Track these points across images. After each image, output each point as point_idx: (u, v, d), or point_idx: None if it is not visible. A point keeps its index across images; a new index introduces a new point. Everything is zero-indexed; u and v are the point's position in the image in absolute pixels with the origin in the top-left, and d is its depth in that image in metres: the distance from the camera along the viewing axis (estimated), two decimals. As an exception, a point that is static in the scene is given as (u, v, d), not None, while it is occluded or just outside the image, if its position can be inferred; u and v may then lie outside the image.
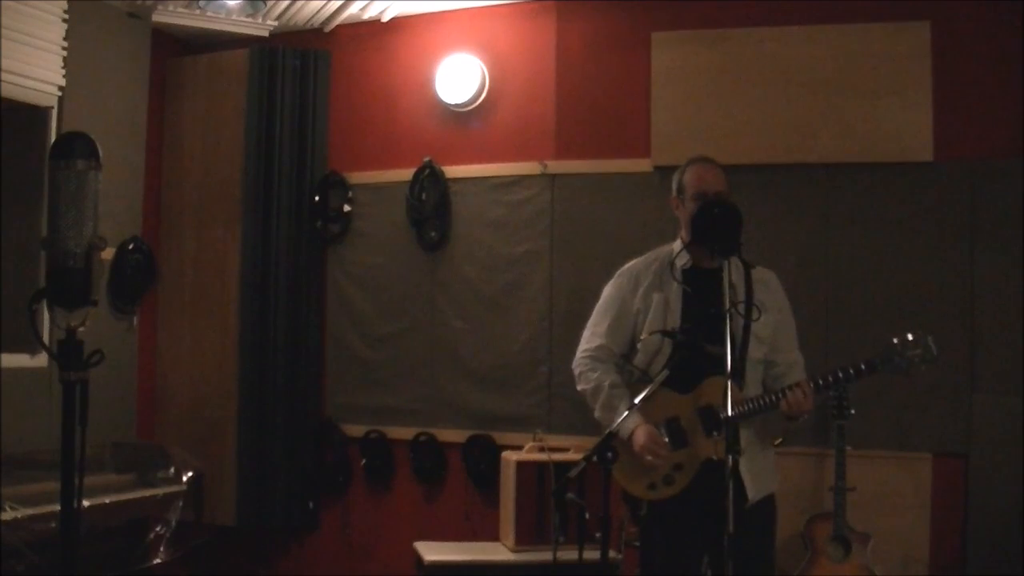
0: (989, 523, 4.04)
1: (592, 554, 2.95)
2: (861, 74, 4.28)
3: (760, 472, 3.06)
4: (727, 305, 2.68)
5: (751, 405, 2.97)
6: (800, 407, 2.93)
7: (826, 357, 4.17)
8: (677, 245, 3.18)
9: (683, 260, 3.12)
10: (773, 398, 2.96)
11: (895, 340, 2.94)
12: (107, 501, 3.88)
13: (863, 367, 2.94)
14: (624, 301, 3.21)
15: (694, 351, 2.91)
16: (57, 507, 2.15)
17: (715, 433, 2.92)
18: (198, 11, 4.85)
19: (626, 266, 3.29)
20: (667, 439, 3.00)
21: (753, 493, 3.01)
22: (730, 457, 2.55)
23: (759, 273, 3.12)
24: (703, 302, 2.99)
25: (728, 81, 4.46)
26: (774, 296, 3.14)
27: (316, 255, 5.13)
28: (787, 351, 3.15)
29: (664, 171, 4.55)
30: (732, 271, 2.76)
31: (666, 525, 3.06)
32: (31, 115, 4.40)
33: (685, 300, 3.07)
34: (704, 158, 3.19)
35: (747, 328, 2.94)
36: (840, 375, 2.95)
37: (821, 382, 2.97)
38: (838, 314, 4.28)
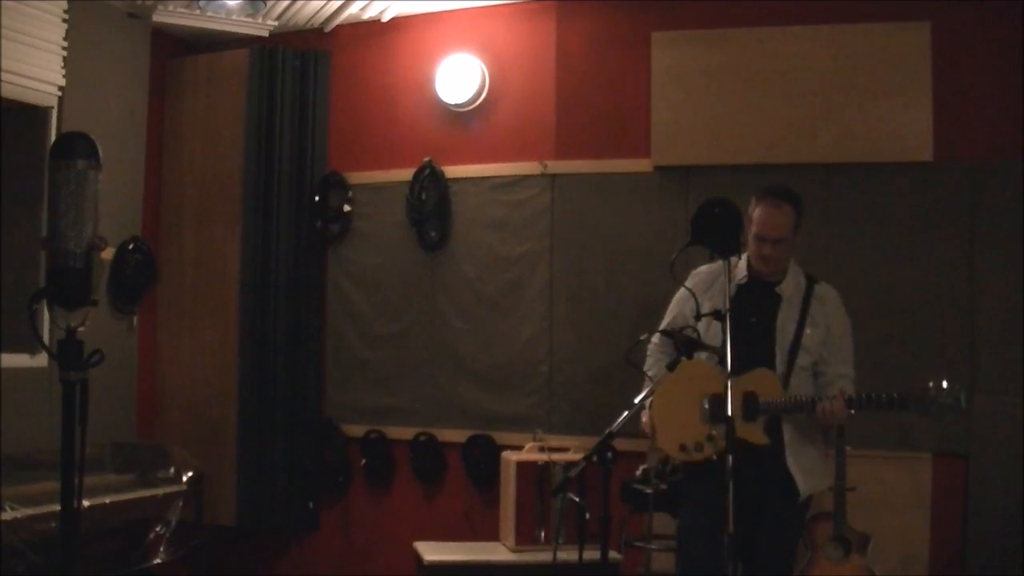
0: (989, 523, 4.05)
1: (592, 554, 2.96)
2: (861, 74, 4.28)
3: (810, 468, 3.27)
4: (727, 306, 2.71)
5: (785, 401, 3.17)
6: (832, 417, 3.13)
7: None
8: (739, 260, 3.36)
9: (741, 274, 3.36)
10: (808, 401, 3.16)
11: (931, 385, 3.11)
12: (107, 501, 3.87)
13: (896, 401, 3.14)
14: (682, 307, 3.44)
15: (696, 347, 3.01)
16: (57, 507, 2.15)
17: (755, 418, 3.11)
18: (198, 11, 4.85)
19: (698, 270, 3.49)
20: (708, 409, 3.19)
21: (805, 488, 3.23)
22: (730, 457, 2.57)
23: (820, 289, 3.36)
24: (754, 313, 3.24)
25: (728, 81, 4.46)
26: (828, 312, 3.34)
27: (316, 255, 5.13)
28: (835, 364, 3.32)
29: (664, 171, 4.57)
30: (732, 271, 2.87)
31: (700, 510, 3.25)
32: (31, 115, 4.40)
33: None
34: (775, 194, 3.32)
35: (798, 337, 3.24)
36: (872, 399, 3.15)
37: (853, 398, 3.16)
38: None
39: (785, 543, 3.30)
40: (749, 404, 3.14)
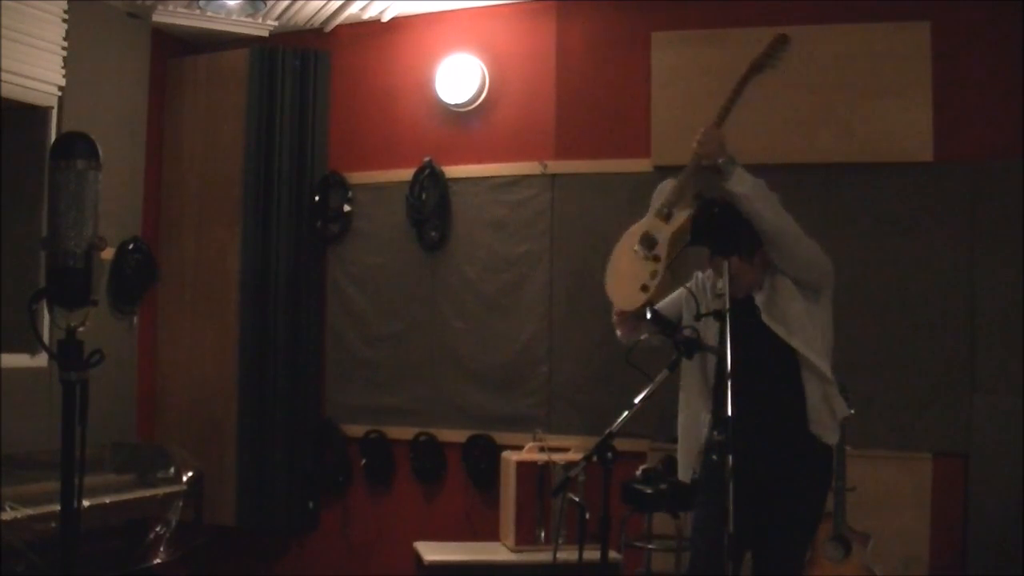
0: (989, 523, 4.05)
1: (592, 554, 2.96)
2: (861, 74, 4.28)
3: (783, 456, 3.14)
4: (727, 306, 2.71)
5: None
6: (705, 149, 3.14)
7: (826, 357, 4.17)
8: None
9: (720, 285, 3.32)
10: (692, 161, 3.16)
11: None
12: (107, 501, 3.88)
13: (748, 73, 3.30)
14: (675, 300, 3.37)
15: (696, 348, 3.03)
16: (57, 507, 2.15)
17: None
18: (198, 11, 4.85)
19: (697, 274, 3.42)
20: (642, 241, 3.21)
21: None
22: (730, 458, 2.57)
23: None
24: (751, 315, 3.12)
25: (728, 81, 4.42)
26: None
27: (316, 255, 5.13)
28: None
29: (664, 171, 4.55)
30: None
31: (708, 508, 3.16)
32: (31, 115, 4.40)
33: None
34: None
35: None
36: (728, 100, 3.29)
37: (719, 115, 3.26)
38: (837, 314, 4.26)
39: (796, 523, 3.22)
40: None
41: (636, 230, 3.24)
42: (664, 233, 3.16)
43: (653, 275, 3.14)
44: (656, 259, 3.14)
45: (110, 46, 4.69)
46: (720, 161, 3.06)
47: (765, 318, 3.10)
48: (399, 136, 5.05)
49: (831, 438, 3.15)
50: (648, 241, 3.20)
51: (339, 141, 5.17)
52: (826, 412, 3.12)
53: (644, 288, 3.16)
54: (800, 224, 4.33)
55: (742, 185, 3.01)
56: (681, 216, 3.12)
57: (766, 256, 3.19)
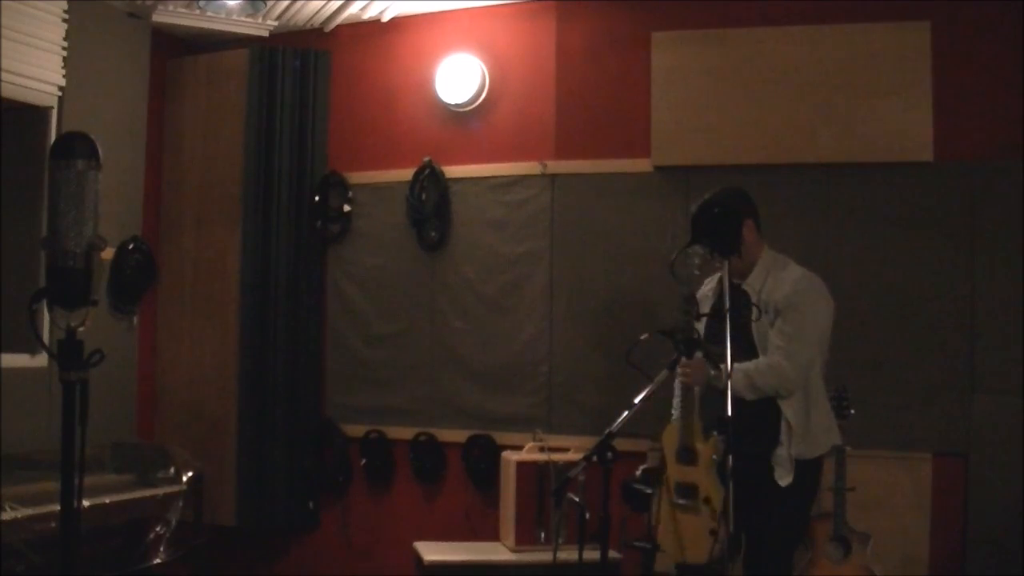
0: (989, 523, 4.05)
1: (592, 554, 2.96)
2: (861, 74, 4.28)
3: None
4: (727, 306, 2.72)
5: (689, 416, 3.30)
6: (690, 378, 3.25)
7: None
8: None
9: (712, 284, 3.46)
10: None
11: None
12: (107, 501, 3.88)
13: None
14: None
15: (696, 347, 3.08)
16: (57, 507, 2.15)
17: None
18: (198, 11, 4.85)
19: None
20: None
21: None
22: (730, 458, 2.58)
23: (781, 274, 3.41)
24: (738, 313, 3.20)
25: (728, 81, 4.46)
26: (780, 292, 3.39)
27: (316, 255, 5.13)
28: (773, 336, 3.36)
29: (664, 171, 4.57)
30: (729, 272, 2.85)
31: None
32: (31, 115, 4.40)
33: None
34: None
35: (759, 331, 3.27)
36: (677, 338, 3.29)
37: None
38: (838, 314, 4.27)
39: (780, 521, 3.30)
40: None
41: (665, 492, 3.33)
42: (698, 475, 3.23)
43: (713, 515, 3.19)
44: (707, 501, 3.21)
45: (110, 46, 4.69)
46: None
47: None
48: (399, 136, 5.05)
49: (784, 479, 3.19)
50: (690, 492, 3.26)
51: (339, 141, 5.17)
52: (786, 456, 3.26)
53: (713, 532, 3.17)
54: (800, 224, 4.35)
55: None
56: (704, 448, 3.22)
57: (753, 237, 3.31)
